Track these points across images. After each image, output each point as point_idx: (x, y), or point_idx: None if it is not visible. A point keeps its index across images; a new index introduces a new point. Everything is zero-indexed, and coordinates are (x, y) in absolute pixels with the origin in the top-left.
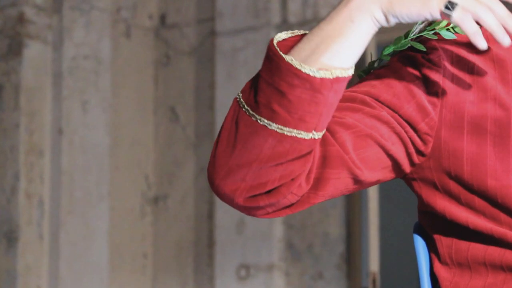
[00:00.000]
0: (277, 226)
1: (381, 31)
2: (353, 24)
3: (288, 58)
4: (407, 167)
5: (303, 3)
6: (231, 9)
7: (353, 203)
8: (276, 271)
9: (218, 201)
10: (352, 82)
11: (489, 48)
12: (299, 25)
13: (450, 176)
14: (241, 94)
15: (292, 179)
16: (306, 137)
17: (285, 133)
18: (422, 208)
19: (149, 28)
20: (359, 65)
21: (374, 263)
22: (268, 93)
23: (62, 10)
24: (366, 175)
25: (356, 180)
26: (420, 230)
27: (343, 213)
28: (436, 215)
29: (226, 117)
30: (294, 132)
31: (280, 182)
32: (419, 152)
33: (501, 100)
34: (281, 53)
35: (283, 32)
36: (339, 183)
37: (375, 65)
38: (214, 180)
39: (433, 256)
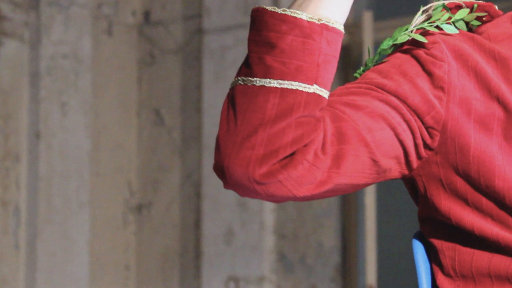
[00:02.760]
0: (268, 236)
1: (379, 28)
2: None
3: (270, 8)
4: (414, 160)
5: None
6: (220, 5)
7: (348, 212)
8: (267, 284)
9: (205, 210)
10: None
11: (491, 46)
12: None
13: (457, 172)
14: (232, 81)
15: (306, 146)
16: (308, 90)
17: (286, 86)
18: (423, 214)
19: (132, 25)
20: (356, 64)
21: (371, 276)
22: (259, 50)
23: (40, 6)
24: (381, 159)
25: (374, 161)
26: (420, 240)
27: (338, 222)
28: (438, 222)
29: (222, 108)
30: (295, 85)
31: (293, 148)
32: (426, 146)
33: (505, 100)
34: (263, 6)
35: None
36: (357, 162)
37: (373, 62)
38: (223, 164)
39: (436, 267)
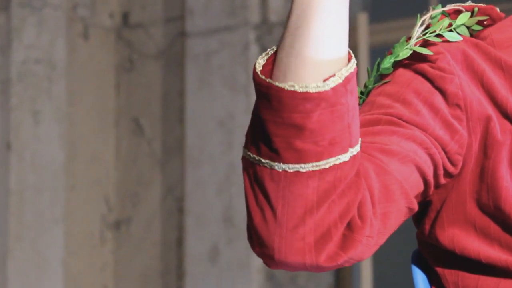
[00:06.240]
0: (255, 255)
1: (375, 31)
2: None
3: (287, 86)
4: (432, 191)
5: None
6: (204, 6)
7: None
8: None
9: (188, 226)
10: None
11: (498, 55)
12: (282, 25)
13: (470, 193)
14: (248, 151)
15: (361, 219)
16: (346, 159)
17: (323, 166)
18: (422, 238)
19: (110, 28)
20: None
21: None
22: (283, 134)
23: (10, 7)
24: (415, 204)
25: (410, 209)
26: (419, 259)
27: None
28: (439, 248)
29: (244, 183)
30: (332, 161)
31: (343, 223)
32: (446, 174)
33: None
34: (276, 83)
35: (259, 58)
36: (399, 215)
37: (373, 84)
38: (273, 259)
39: None
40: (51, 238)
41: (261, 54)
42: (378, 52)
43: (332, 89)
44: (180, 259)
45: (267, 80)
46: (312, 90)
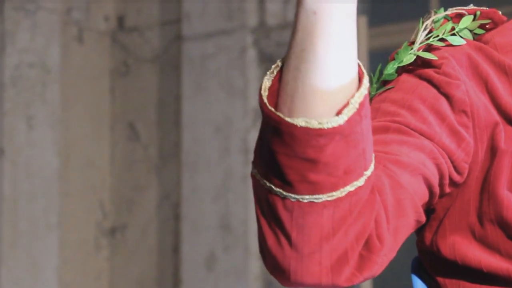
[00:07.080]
0: (253, 262)
1: (374, 35)
2: (317, 15)
3: (299, 122)
4: (435, 201)
5: (284, 2)
6: (200, 10)
7: None
8: None
9: (184, 233)
10: None
11: (501, 59)
12: (280, 28)
13: (473, 201)
14: (257, 172)
15: (379, 239)
16: (360, 184)
17: (338, 195)
18: (423, 247)
19: (105, 31)
20: None
21: None
22: (296, 167)
23: (4, 10)
24: (423, 217)
25: (418, 222)
26: (419, 268)
27: None
28: (440, 257)
29: (254, 205)
30: (347, 189)
31: (359, 245)
32: (452, 183)
33: None
34: (288, 119)
35: (264, 79)
36: (407, 229)
37: (376, 91)
38: (288, 280)
39: None
40: (45, 245)
41: (258, 58)
42: (377, 56)
43: (347, 121)
44: (176, 266)
45: (277, 114)
46: (326, 126)
